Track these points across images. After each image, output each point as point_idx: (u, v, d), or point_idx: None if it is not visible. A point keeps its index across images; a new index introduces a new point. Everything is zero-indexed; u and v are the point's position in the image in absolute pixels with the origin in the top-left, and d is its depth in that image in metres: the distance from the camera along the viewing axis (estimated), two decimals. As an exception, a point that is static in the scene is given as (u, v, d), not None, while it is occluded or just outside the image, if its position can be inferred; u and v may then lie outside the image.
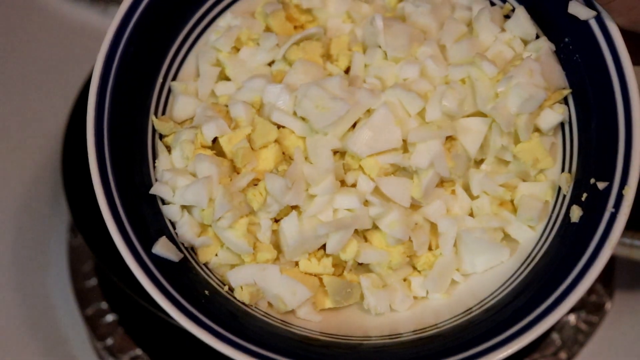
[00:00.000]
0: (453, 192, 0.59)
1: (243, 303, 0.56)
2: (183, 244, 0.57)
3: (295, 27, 0.63)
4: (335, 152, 0.57)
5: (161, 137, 0.60)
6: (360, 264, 0.58)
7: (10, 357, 0.83)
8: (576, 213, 0.54)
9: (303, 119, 0.57)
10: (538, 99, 0.55)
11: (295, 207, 0.57)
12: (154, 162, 0.59)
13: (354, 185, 0.57)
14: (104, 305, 0.83)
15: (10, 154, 0.94)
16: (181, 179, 0.56)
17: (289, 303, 0.56)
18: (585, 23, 0.55)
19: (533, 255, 0.57)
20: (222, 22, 0.62)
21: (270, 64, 0.62)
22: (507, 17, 0.60)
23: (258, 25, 0.62)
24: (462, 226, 0.57)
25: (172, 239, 0.56)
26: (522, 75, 0.55)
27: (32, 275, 0.87)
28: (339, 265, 0.59)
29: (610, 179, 0.53)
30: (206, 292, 0.55)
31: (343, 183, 0.57)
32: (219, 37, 0.61)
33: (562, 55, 0.57)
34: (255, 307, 0.56)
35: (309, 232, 0.56)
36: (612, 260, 0.82)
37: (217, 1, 0.62)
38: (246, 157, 0.57)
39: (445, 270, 0.58)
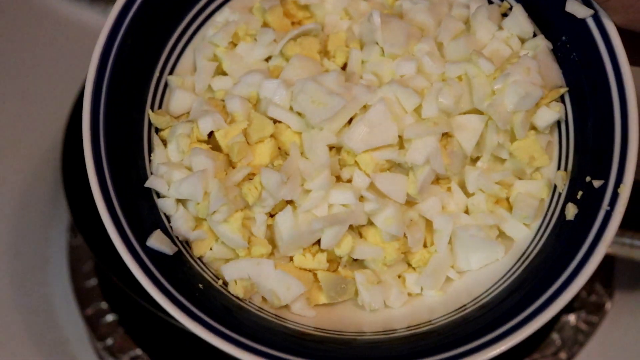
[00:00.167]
0: (449, 189, 0.59)
1: (237, 297, 0.56)
2: (178, 238, 0.57)
3: (292, 23, 0.63)
4: (331, 148, 0.57)
5: (157, 130, 0.60)
6: (355, 260, 0.58)
7: (10, 357, 0.83)
8: (571, 211, 0.54)
9: (299, 114, 0.57)
10: (535, 97, 0.55)
11: (290, 202, 0.57)
12: (149, 156, 0.59)
13: (349, 181, 0.57)
14: (104, 305, 0.82)
15: (10, 154, 0.94)
16: (177, 173, 0.56)
17: (283, 298, 0.56)
18: (583, 21, 0.55)
19: (528, 252, 0.56)
20: (220, 17, 0.62)
21: (268, 59, 0.62)
22: (504, 15, 0.60)
23: (255, 20, 0.62)
24: (457, 223, 0.57)
25: (167, 233, 0.56)
26: (519, 73, 0.55)
27: (32, 275, 0.87)
28: (333, 261, 0.58)
29: (606, 177, 0.53)
30: (200, 285, 0.55)
31: (338, 178, 0.57)
32: (217, 32, 0.61)
33: (559, 54, 0.57)
34: (249, 302, 0.56)
35: (304, 227, 0.56)
36: (612, 260, 0.82)
37: (215, -4, 0.62)
38: (242, 151, 0.57)
39: (440, 267, 0.58)
